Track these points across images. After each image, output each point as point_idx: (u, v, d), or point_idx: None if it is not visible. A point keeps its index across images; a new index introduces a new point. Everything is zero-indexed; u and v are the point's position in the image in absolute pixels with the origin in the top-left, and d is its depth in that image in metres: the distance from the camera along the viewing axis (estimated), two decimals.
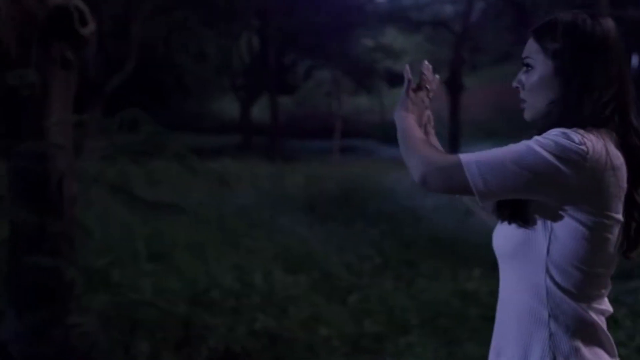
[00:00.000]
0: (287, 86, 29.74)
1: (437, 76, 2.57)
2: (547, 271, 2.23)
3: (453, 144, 23.25)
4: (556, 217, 2.21)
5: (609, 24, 2.33)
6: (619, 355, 2.30)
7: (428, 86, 2.54)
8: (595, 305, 2.25)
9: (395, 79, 30.52)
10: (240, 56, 29.44)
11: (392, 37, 30.90)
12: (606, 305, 2.29)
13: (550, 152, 2.14)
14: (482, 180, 2.17)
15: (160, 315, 6.26)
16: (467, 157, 2.19)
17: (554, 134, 2.18)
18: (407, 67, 2.52)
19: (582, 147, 2.13)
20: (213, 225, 9.79)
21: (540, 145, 2.15)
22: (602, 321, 2.27)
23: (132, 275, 7.05)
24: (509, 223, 2.30)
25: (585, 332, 2.24)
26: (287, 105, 29.84)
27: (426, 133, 2.58)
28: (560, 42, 2.30)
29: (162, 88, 27.44)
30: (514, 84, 2.40)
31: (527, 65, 2.37)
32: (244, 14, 26.42)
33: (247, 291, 7.25)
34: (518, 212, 2.27)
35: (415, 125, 2.42)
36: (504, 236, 2.33)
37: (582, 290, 2.23)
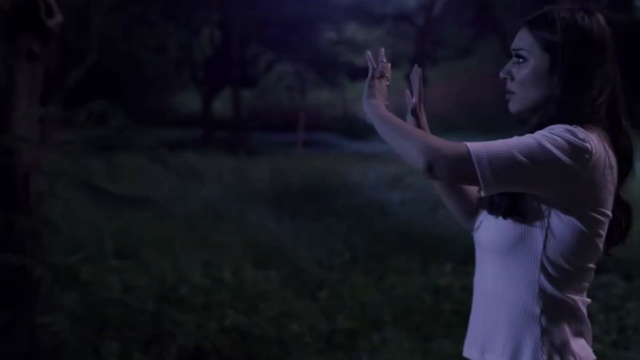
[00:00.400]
0: (248, 79, 29.59)
1: (389, 64, 2.55)
2: (542, 266, 2.25)
3: None
4: (554, 212, 2.22)
5: (603, 21, 2.32)
6: (595, 352, 2.33)
7: (387, 74, 2.52)
8: (582, 297, 2.31)
9: (357, 73, 30.50)
10: (202, 49, 29.24)
11: (353, 30, 30.87)
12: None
13: (559, 148, 2.14)
14: (491, 172, 2.14)
15: (129, 314, 6.15)
16: (476, 148, 2.15)
17: (560, 130, 2.18)
18: (370, 54, 2.51)
19: (587, 144, 2.16)
20: (179, 221, 9.66)
21: (548, 140, 2.15)
22: (586, 312, 2.34)
23: (100, 273, 6.92)
24: (504, 218, 2.28)
25: (574, 325, 2.29)
26: (248, 98, 29.67)
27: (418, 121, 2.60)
28: (559, 37, 2.28)
29: (121, 81, 27.15)
30: (502, 75, 2.37)
31: (520, 57, 2.34)
32: (205, 7, 26.26)
33: (217, 287, 7.14)
34: (515, 208, 2.26)
35: (390, 113, 2.38)
36: (496, 231, 2.31)
37: (573, 285, 2.27)
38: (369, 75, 2.48)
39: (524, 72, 2.32)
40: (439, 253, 8.55)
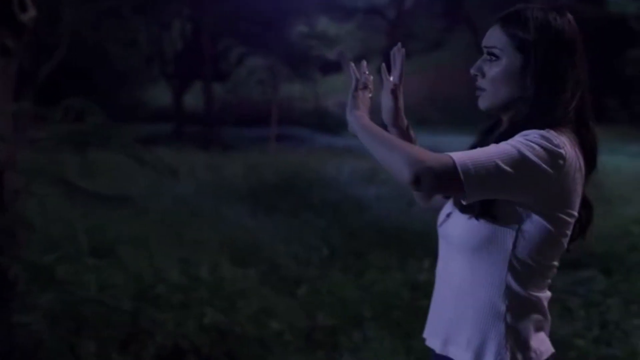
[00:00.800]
0: (219, 73, 29.42)
1: (372, 77, 2.56)
2: (510, 265, 2.29)
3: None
4: (526, 215, 2.26)
5: (574, 22, 2.35)
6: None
7: (370, 86, 2.53)
8: (544, 293, 2.38)
9: (328, 67, 30.47)
10: (173, 43, 29.03)
11: (324, 24, 30.81)
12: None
13: (537, 156, 2.17)
14: (476, 183, 2.14)
15: (107, 312, 6.08)
16: (461, 159, 2.15)
17: (535, 137, 2.21)
18: (353, 65, 2.51)
19: (562, 150, 2.20)
20: (155, 217, 9.57)
21: (527, 148, 2.18)
22: (547, 306, 2.41)
23: (76, 271, 6.82)
24: (477, 219, 2.30)
25: (537, 320, 2.36)
26: (219, 92, 29.53)
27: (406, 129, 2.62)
28: (532, 37, 2.29)
29: (91, 76, 26.92)
30: (472, 71, 2.39)
31: (492, 54, 2.35)
32: (175, 0, 26.12)
33: (194, 285, 7.07)
34: (488, 209, 2.29)
35: (374, 124, 2.38)
36: (467, 230, 2.33)
37: (537, 282, 2.34)
38: (353, 86, 2.49)
39: (495, 70, 2.34)
40: (416, 249, 8.50)
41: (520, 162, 2.16)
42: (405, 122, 2.59)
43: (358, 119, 2.39)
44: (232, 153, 18.27)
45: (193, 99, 29.05)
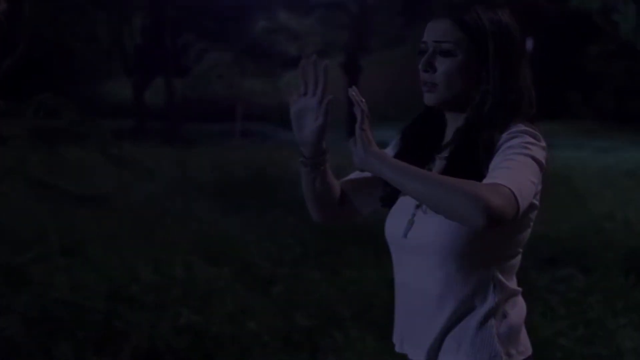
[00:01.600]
0: (180, 68, 29.22)
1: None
2: (496, 263, 2.25)
3: (351, 129, 23.28)
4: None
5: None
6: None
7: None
8: (517, 286, 2.35)
9: (288, 62, 30.33)
10: (133, 38, 28.75)
11: (285, 18, 30.69)
12: None
13: (541, 157, 2.18)
14: (525, 207, 2.12)
15: (81, 314, 5.96)
16: (513, 187, 2.07)
17: (527, 138, 2.19)
18: (354, 94, 2.23)
19: (544, 143, 2.21)
20: (124, 215, 9.42)
21: (536, 152, 2.17)
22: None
23: (48, 272, 6.69)
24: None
25: (521, 313, 2.32)
26: (179, 88, 29.32)
27: None
28: (488, 31, 2.25)
29: (50, 70, 26.59)
30: (422, 67, 2.28)
31: (445, 50, 2.26)
32: None
33: (168, 285, 6.95)
34: None
35: (400, 161, 2.20)
36: (453, 235, 2.21)
37: (512, 274, 2.32)
38: (359, 119, 2.20)
39: (450, 65, 2.26)
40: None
41: (537, 170, 2.16)
42: (325, 143, 2.36)
43: (381, 157, 2.16)
44: (196, 149, 18.11)
45: (152, 94, 28.81)
